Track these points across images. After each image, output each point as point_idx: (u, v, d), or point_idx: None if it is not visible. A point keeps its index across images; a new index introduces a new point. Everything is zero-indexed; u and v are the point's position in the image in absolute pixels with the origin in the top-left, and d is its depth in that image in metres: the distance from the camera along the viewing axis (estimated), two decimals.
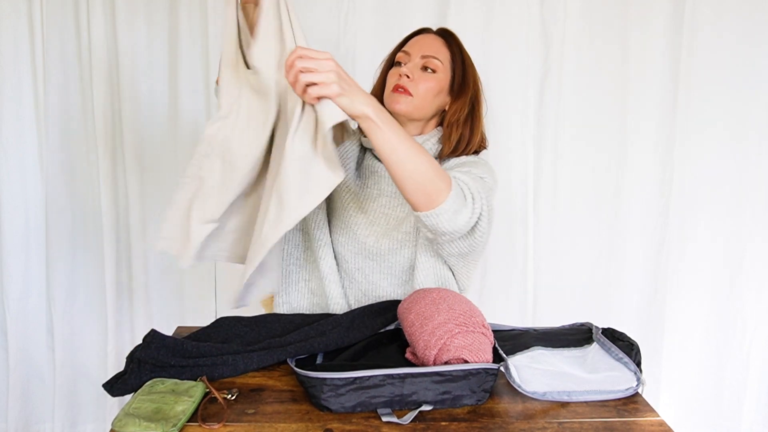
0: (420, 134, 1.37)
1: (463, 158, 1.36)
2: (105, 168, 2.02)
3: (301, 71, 0.96)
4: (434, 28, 1.40)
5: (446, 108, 1.36)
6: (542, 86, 2.01)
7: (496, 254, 2.07)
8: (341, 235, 1.36)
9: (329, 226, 1.37)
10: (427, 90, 1.31)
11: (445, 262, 1.32)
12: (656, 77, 2.00)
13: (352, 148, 1.42)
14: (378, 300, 1.32)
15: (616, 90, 2.01)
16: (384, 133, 1.04)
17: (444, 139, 1.35)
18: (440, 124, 1.38)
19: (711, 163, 2.04)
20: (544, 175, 2.06)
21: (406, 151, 1.06)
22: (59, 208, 2.06)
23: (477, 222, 1.17)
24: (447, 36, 1.36)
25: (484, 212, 1.17)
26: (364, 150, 1.43)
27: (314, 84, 0.97)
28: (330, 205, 1.40)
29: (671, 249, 2.07)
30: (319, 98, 0.99)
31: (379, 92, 1.39)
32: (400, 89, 1.30)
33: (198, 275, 2.12)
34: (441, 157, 1.37)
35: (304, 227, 1.39)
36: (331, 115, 1.00)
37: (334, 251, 1.36)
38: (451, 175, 1.13)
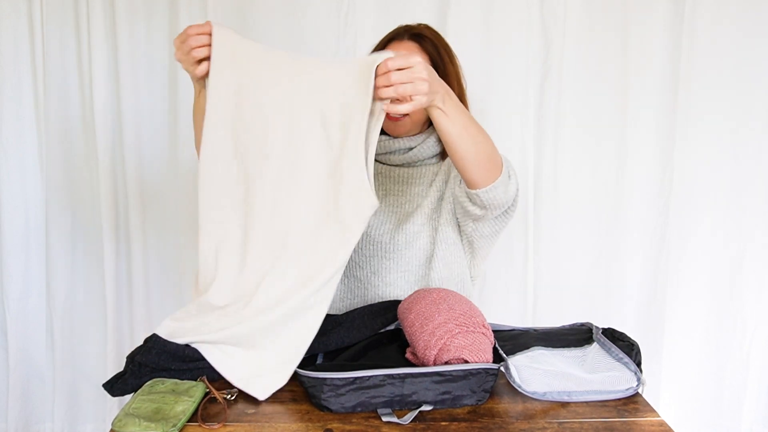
0: (419, 133, 1.38)
1: None
2: (105, 168, 2.02)
3: (398, 83, 0.98)
4: (414, 24, 1.38)
5: None
6: (542, 86, 2.01)
7: (496, 254, 2.07)
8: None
9: None
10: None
11: (463, 247, 1.35)
12: (656, 77, 2.00)
13: None
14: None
15: (616, 90, 2.01)
16: (452, 120, 1.07)
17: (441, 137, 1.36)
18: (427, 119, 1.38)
19: (711, 162, 2.04)
20: (544, 175, 2.05)
21: (473, 133, 1.10)
22: (59, 208, 2.06)
23: (517, 191, 1.24)
24: (420, 39, 1.34)
25: (519, 182, 1.25)
26: None
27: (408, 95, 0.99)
28: None
29: (671, 249, 2.06)
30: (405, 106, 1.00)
31: None
32: (392, 118, 1.31)
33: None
34: (444, 156, 1.38)
35: None
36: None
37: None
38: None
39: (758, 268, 2.08)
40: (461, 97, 1.37)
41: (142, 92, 2.03)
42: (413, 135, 1.37)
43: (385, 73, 0.98)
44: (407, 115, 1.31)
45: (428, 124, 1.39)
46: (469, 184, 1.17)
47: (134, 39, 1.99)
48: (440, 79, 1.05)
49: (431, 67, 1.03)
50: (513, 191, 1.21)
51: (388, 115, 1.28)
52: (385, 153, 1.38)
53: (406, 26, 1.38)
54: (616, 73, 2.00)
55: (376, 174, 1.39)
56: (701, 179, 2.05)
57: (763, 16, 1.96)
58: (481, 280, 2.08)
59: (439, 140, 1.36)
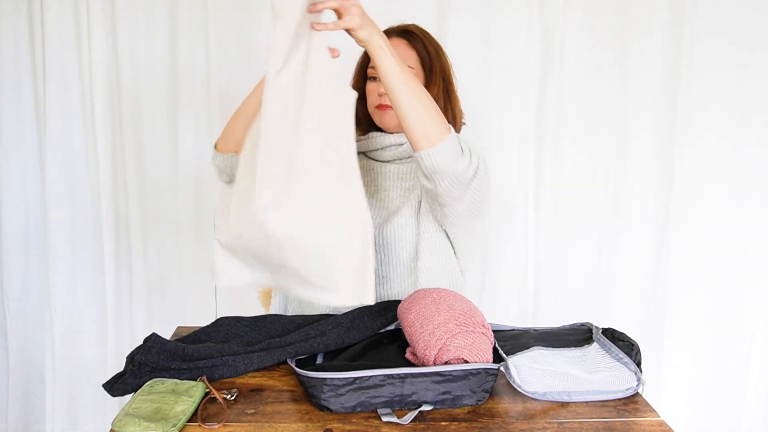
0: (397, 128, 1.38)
1: None
2: (105, 168, 2.02)
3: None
4: (406, 24, 1.40)
5: None
6: (542, 87, 2.01)
7: (496, 254, 2.07)
8: None
9: None
10: None
11: (448, 236, 1.34)
12: (656, 77, 2.00)
13: None
14: (386, 296, 1.33)
15: (616, 90, 2.01)
16: (392, 61, 1.11)
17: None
18: None
19: (711, 162, 2.04)
20: (544, 176, 2.05)
21: (412, 86, 1.13)
22: (59, 208, 2.06)
23: (475, 173, 1.20)
24: (408, 35, 1.37)
25: (481, 167, 1.22)
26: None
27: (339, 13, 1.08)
28: None
29: (671, 249, 2.06)
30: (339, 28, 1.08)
31: (355, 88, 1.38)
32: (382, 107, 1.35)
33: (198, 275, 2.12)
34: None
35: None
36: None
37: None
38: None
39: (758, 268, 2.08)
40: (447, 77, 1.39)
41: (142, 92, 2.03)
42: (402, 132, 1.37)
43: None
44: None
45: None
46: (413, 145, 1.16)
47: (134, 39, 1.99)
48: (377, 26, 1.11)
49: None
50: (463, 166, 1.17)
51: (379, 107, 1.31)
52: (377, 149, 1.40)
53: (395, 26, 1.40)
54: (616, 73, 2.00)
55: (368, 170, 1.41)
56: (701, 179, 2.05)
57: (763, 16, 1.96)
58: (481, 280, 2.08)
59: None
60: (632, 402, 0.99)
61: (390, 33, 1.37)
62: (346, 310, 1.20)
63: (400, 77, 1.12)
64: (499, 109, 2.03)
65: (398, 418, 0.92)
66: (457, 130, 1.41)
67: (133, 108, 2.02)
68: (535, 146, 2.04)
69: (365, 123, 1.43)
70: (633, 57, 1.99)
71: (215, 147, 1.36)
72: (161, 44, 2.01)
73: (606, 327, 1.15)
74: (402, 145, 1.39)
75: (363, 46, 1.12)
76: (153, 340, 1.04)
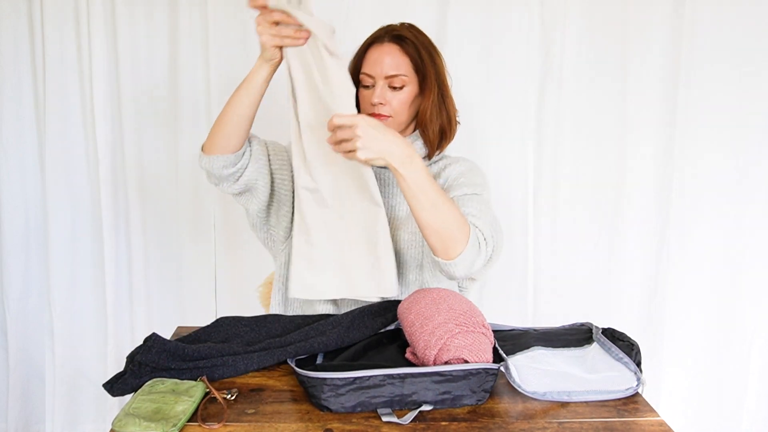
0: (406, 135, 1.38)
1: (452, 163, 1.38)
2: (105, 168, 2.02)
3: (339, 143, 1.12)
4: (396, 25, 1.37)
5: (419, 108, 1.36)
6: (542, 86, 2.01)
7: None
8: None
9: None
10: (401, 103, 1.32)
11: None
12: (656, 76, 2.00)
13: None
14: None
15: (616, 89, 2.01)
16: (408, 184, 1.13)
17: (425, 140, 1.36)
18: (417, 122, 1.37)
19: (711, 162, 2.04)
20: (544, 175, 2.05)
21: (428, 200, 1.14)
22: (59, 208, 2.06)
23: (489, 259, 1.21)
24: (401, 41, 1.33)
25: (496, 248, 1.22)
26: None
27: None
28: None
29: (671, 249, 2.06)
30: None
31: None
32: (377, 117, 1.32)
33: (198, 275, 2.12)
34: (430, 157, 1.39)
35: None
36: None
37: None
38: (470, 223, 1.18)
39: (759, 267, 2.08)
40: (444, 95, 1.36)
41: (142, 92, 2.03)
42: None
43: (333, 129, 1.11)
44: (391, 117, 1.32)
45: (414, 127, 1.39)
46: (431, 250, 1.18)
47: (134, 39, 1.99)
48: (397, 140, 1.12)
49: (380, 126, 1.12)
50: (478, 266, 1.19)
51: (373, 116, 1.31)
52: None
53: (388, 27, 1.37)
54: (616, 72, 2.00)
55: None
56: (701, 179, 2.05)
57: (763, 15, 1.96)
58: (481, 281, 2.08)
59: (424, 144, 1.37)
60: (632, 402, 0.99)
61: (382, 37, 1.34)
62: (346, 310, 1.21)
63: (421, 198, 1.13)
64: (499, 108, 2.02)
65: (398, 418, 0.92)
66: (452, 132, 1.39)
67: (133, 108, 2.02)
68: (535, 146, 2.04)
69: None
70: (633, 57, 1.99)
71: (202, 149, 1.32)
72: (161, 44, 2.01)
73: (606, 327, 1.15)
74: None
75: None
76: (153, 340, 1.04)
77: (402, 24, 1.38)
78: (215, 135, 1.29)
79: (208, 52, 1.98)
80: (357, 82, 1.35)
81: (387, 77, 1.31)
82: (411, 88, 1.33)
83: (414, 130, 1.40)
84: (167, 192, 2.08)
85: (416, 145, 1.37)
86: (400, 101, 1.32)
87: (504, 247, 1.27)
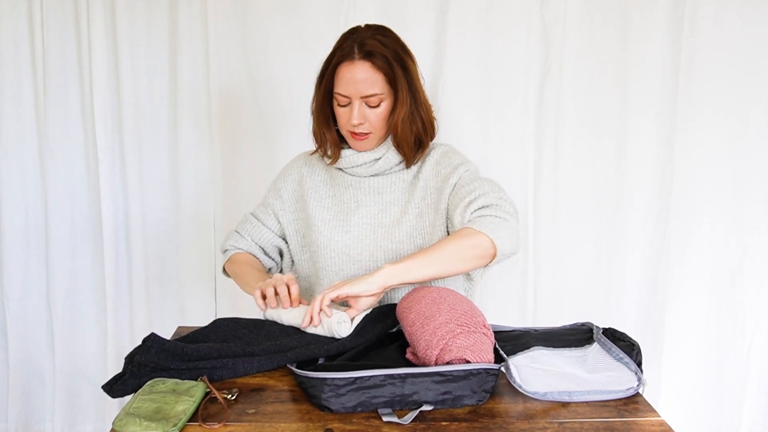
0: (379, 145, 1.36)
1: (440, 159, 1.37)
2: (105, 168, 2.02)
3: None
4: (358, 30, 1.32)
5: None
6: (542, 85, 2.01)
7: None
8: (334, 264, 1.36)
9: (317, 264, 1.38)
10: (379, 118, 1.31)
11: None
12: (656, 76, 2.00)
13: (319, 174, 1.43)
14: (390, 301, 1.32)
15: (616, 89, 2.01)
16: (415, 280, 1.17)
17: (400, 152, 1.35)
18: (392, 135, 1.35)
19: (711, 162, 2.04)
20: (544, 175, 2.06)
21: (438, 269, 1.17)
22: (59, 208, 2.06)
23: (515, 213, 1.27)
24: (372, 57, 1.27)
25: (509, 204, 1.26)
26: (330, 168, 1.43)
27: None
28: (314, 242, 1.39)
29: (671, 248, 2.06)
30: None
31: (320, 114, 1.35)
32: (357, 136, 1.32)
33: (198, 275, 2.12)
34: (407, 165, 1.37)
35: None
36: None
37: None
38: (480, 216, 1.22)
39: (758, 267, 2.08)
40: (418, 103, 1.32)
41: (142, 92, 2.03)
42: (375, 147, 1.36)
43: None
44: (370, 133, 1.31)
45: (386, 136, 1.36)
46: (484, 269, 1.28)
47: (134, 39, 1.99)
48: (370, 277, 1.13)
49: (371, 281, 1.13)
50: (513, 226, 1.23)
51: (353, 134, 1.31)
52: (353, 167, 1.37)
53: (354, 37, 1.29)
54: (616, 72, 2.01)
55: (347, 186, 1.39)
56: (701, 178, 2.05)
57: (763, 14, 1.96)
58: (481, 281, 2.08)
59: (397, 152, 1.35)
60: (632, 402, 0.99)
61: (351, 54, 1.27)
62: None
63: (432, 269, 1.17)
64: (499, 108, 2.02)
65: (399, 418, 0.92)
66: (432, 134, 1.37)
67: (133, 108, 2.02)
68: (535, 146, 2.04)
69: (333, 146, 1.37)
70: (633, 57, 1.99)
71: (224, 272, 1.48)
72: (161, 44, 2.01)
73: (607, 327, 1.15)
74: (378, 160, 1.35)
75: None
76: (152, 340, 1.04)
77: (367, 27, 1.32)
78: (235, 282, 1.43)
79: (208, 51, 1.98)
80: (329, 96, 1.32)
81: (363, 97, 1.28)
82: (387, 103, 1.30)
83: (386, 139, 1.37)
84: (167, 192, 2.08)
85: (392, 151, 1.35)
86: (378, 116, 1.30)
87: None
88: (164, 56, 2.01)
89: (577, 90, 2.01)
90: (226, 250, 1.47)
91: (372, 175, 1.38)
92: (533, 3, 1.97)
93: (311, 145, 1.44)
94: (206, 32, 1.98)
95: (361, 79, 1.27)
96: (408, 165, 1.37)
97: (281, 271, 1.49)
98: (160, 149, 2.06)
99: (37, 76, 2.00)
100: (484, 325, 1.02)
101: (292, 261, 1.48)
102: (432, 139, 1.38)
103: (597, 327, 1.17)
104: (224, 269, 1.47)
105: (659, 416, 0.95)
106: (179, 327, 1.27)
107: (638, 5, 1.97)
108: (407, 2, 1.97)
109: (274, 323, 1.21)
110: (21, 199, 2.08)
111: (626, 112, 2.02)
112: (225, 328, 1.18)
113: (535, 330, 1.20)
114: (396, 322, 1.17)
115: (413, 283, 1.19)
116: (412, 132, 1.33)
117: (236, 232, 1.47)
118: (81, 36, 1.98)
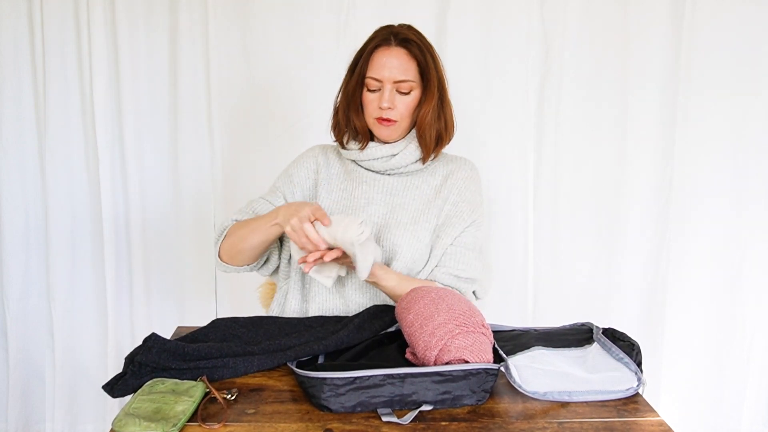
0: (400, 139, 1.37)
1: (455, 170, 1.40)
2: (105, 168, 2.02)
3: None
4: (396, 26, 1.35)
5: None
6: (542, 86, 2.01)
7: (496, 254, 2.07)
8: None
9: None
10: (408, 108, 1.33)
11: None
12: (656, 77, 2.00)
13: (334, 167, 1.42)
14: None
15: (616, 90, 2.01)
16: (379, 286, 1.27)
17: (421, 143, 1.35)
18: (416, 126, 1.36)
19: (711, 163, 2.04)
20: (544, 176, 2.06)
21: (393, 293, 1.27)
22: (59, 208, 2.06)
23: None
24: (408, 44, 1.31)
25: (482, 287, 1.41)
26: (345, 162, 1.43)
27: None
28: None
29: (671, 249, 2.06)
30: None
31: (346, 103, 1.36)
32: (384, 122, 1.32)
33: (198, 275, 2.12)
34: (423, 161, 1.38)
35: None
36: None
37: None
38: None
39: (758, 267, 2.08)
40: (444, 102, 1.35)
41: (142, 92, 2.03)
42: (396, 141, 1.37)
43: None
44: (397, 121, 1.32)
45: (409, 128, 1.37)
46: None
47: (134, 39, 1.99)
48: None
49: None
50: (486, 285, 1.40)
51: (379, 120, 1.32)
52: (369, 159, 1.37)
53: (390, 28, 1.34)
54: (616, 73, 2.01)
55: (361, 182, 1.39)
56: (701, 180, 2.05)
57: (763, 17, 1.96)
58: (486, 297, 2.08)
59: (417, 146, 1.36)
60: (632, 402, 0.99)
61: (388, 39, 1.32)
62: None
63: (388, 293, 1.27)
64: (499, 109, 2.03)
65: (398, 418, 0.92)
66: (450, 136, 1.39)
67: (133, 107, 2.02)
68: (535, 146, 2.04)
69: (362, 134, 1.37)
70: (633, 58, 1.99)
71: (219, 257, 1.38)
72: (161, 44, 2.01)
73: (606, 327, 1.15)
74: (394, 156, 1.36)
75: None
76: (153, 340, 1.04)
77: (401, 25, 1.37)
78: (232, 254, 1.36)
79: (208, 51, 1.99)
80: (361, 84, 1.34)
81: (395, 82, 1.30)
82: (417, 93, 1.33)
83: (409, 130, 1.38)
84: (167, 192, 2.08)
85: (410, 148, 1.36)
86: (406, 106, 1.32)
87: (492, 283, 1.45)
88: (164, 56, 2.01)
89: (577, 90, 2.01)
90: (223, 231, 1.38)
91: (385, 172, 1.38)
92: (533, 3, 1.97)
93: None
94: (206, 32, 1.98)
95: (396, 64, 1.30)
96: (424, 161, 1.37)
97: (279, 264, 1.44)
98: (160, 149, 2.06)
99: (37, 76, 2.00)
100: (483, 325, 1.02)
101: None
102: (450, 140, 1.39)
103: (597, 327, 1.16)
104: (220, 254, 1.38)
105: (659, 416, 0.95)
106: (179, 327, 1.27)
107: (638, 6, 1.97)
108: (407, 2, 1.97)
109: (272, 322, 1.22)
110: (21, 199, 2.08)
111: (626, 112, 2.02)
112: (224, 328, 1.18)
113: (535, 330, 1.20)
114: (394, 321, 1.17)
115: (375, 285, 1.27)
116: (436, 126, 1.34)
117: (233, 219, 1.41)
118: (81, 36, 1.98)
